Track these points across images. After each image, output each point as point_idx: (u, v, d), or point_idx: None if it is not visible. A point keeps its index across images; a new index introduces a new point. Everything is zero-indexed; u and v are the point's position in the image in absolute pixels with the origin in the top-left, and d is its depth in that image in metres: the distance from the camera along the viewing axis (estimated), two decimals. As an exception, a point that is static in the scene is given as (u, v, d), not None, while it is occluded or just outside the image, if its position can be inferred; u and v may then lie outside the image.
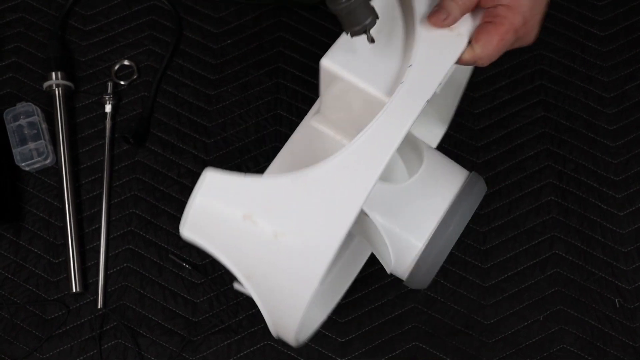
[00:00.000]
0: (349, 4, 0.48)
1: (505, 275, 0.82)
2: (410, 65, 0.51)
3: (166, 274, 0.82)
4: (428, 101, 0.51)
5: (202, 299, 0.82)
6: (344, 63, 0.52)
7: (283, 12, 0.93)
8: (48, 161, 0.86)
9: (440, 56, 0.53)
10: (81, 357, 0.80)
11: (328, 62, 0.52)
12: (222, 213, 0.49)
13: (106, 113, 0.88)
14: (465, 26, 0.55)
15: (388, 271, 0.62)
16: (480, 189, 0.61)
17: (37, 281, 0.82)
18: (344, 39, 0.53)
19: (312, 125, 0.62)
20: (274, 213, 0.48)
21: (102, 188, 0.85)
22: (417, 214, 0.59)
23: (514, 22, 0.55)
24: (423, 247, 0.58)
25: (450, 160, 0.66)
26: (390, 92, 0.51)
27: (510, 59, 0.90)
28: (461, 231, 0.59)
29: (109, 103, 0.88)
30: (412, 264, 0.59)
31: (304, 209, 0.48)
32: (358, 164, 0.49)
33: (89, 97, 0.89)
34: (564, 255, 0.82)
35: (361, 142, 0.49)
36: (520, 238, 0.83)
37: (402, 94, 0.50)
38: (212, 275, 0.82)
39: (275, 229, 0.48)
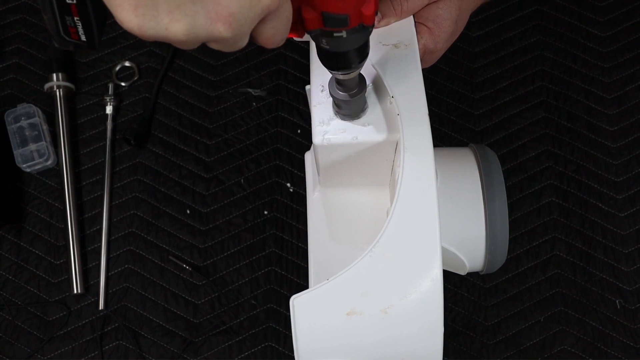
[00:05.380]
0: (361, 94, 0.50)
1: (506, 277, 0.82)
2: (393, 97, 0.51)
3: (167, 275, 0.83)
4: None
5: (203, 301, 0.82)
6: (334, 132, 0.52)
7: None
8: (49, 162, 0.86)
9: (408, 71, 0.53)
10: (83, 359, 0.80)
11: (322, 140, 0.52)
12: (327, 326, 0.50)
13: (107, 114, 0.88)
14: (406, 35, 0.56)
15: (463, 273, 0.63)
16: (492, 155, 0.63)
17: (38, 282, 0.82)
18: (318, 114, 0.53)
19: (324, 197, 0.62)
20: (370, 295, 0.49)
21: (103, 189, 0.85)
22: (461, 209, 0.60)
23: (427, 44, 0.58)
24: (487, 232, 0.59)
25: (447, 148, 0.66)
26: (391, 129, 0.52)
27: (511, 60, 0.90)
28: (506, 197, 0.60)
29: (110, 104, 0.88)
30: (486, 253, 0.60)
31: (394, 274, 0.49)
32: (417, 204, 0.49)
33: (90, 99, 0.89)
34: (564, 256, 0.82)
35: (404, 186, 0.49)
36: (521, 239, 0.83)
37: (407, 121, 0.51)
38: (214, 276, 0.82)
39: (379, 307, 0.49)
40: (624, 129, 0.87)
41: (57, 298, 0.82)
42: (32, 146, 0.85)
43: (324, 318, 0.49)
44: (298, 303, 0.49)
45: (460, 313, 0.81)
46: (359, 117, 0.52)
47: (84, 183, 0.86)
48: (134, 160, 0.87)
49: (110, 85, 0.89)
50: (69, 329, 0.81)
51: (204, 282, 0.82)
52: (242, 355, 0.80)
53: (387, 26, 0.55)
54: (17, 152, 0.84)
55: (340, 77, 0.47)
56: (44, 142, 0.85)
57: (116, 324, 0.81)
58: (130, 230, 0.84)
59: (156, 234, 0.84)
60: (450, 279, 0.81)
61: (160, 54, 0.91)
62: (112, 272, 0.83)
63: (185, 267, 0.82)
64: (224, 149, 0.87)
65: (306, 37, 0.45)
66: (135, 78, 0.90)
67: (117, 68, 0.90)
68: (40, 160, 0.84)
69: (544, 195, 0.84)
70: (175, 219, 0.84)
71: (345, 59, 0.45)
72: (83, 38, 0.40)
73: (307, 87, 0.56)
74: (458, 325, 0.80)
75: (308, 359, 0.51)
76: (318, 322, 0.50)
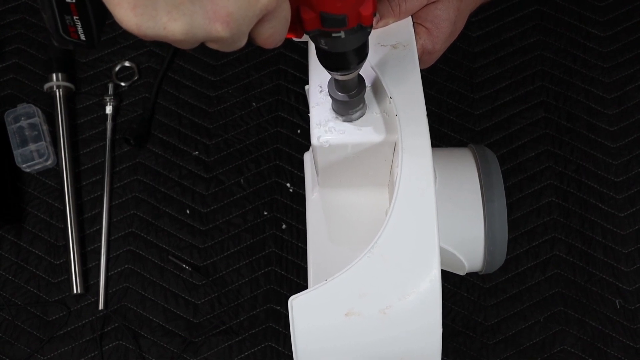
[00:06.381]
0: (360, 95, 0.50)
1: (506, 277, 0.82)
2: (391, 98, 0.51)
3: (167, 275, 0.83)
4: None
5: (203, 300, 0.82)
6: (333, 133, 0.52)
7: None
8: (49, 162, 0.86)
9: (406, 72, 0.53)
10: (82, 359, 0.80)
11: (320, 141, 0.52)
12: (325, 326, 0.50)
13: (107, 114, 0.88)
14: (404, 35, 0.56)
15: (463, 274, 0.63)
16: (491, 155, 0.63)
17: (38, 282, 0.82)
18: (317, 115, 0.53)
19: (323, 198, 0.62)
20: (369, 295, 0.49)
21: (103, 189, 0.85)
22: (460, 210, 0.60)
23: (425, 45, 0.57)
24: (485, 233, 0.60)
25: (446, 148, 0.66)
26: (390, 129, 0.52)
27: (511, 60, 0.90)
28: (505, 198, 0.60)
29: (110, 104, 0.88)
30: (485, 253, 0.60)
31: (392, 275, 0.49)
32: (415, 205, 0.49)
33: (90, 99, 0.89)
34: (564, 256, 0.82)
35: (402, 186, 0.50)
36: (521, 239, 0.83)
37: (405, 122, 0.51)
38: (213, 276, 0.82)
39: (378, 308, 0.49)
40: (624, 129, 0.87)
41: (57, 298, 0.82)
42: (32, 146, 0.85)
43: (323, 319, 0.49)
44: (296, 304, 0.49)
45: (460, 313, 0.81)
46: (357, 118, 0.52)
47: (84, 183, 0.86)
48: (134, 160, 0.87)
49: (110, 85, 0.89)
50: (69, 329, 0.81)
51: (204, 282, 0.82)
52: (242, 355, 0.80)
53: (386, 27, 0.55)
54: (17, 152, 0.84)
55: (339, 78, 0.47)
56: (43, 142, 0.85)
57: (116, 324, 0.81)
58: (130, 230, 0.84)
59: (156, 234, 0.84)
60: (450, 279, 0.81)
61: (160, 54, 0.91)
62: (112, 272, 0.83)
63: (185, 267, 0.82)
64: (224, 149, 0.87)
65: (305, 38, 0.45)
66: (135, 78, 0.90)
67: (117, 68, 0.90)
68: (40, 160, 0.84)
69: (544, 195, 0.84)
70: (175, 219, 0.84)
71: (344, 59, 0.45)
72: (82, 37, 0.40)
73: (307, 87, 0.56)
74: (458, 325, 0.80)
75: (307, 359, 0.51)
76: (316, 323, 0.50)
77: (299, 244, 0.83)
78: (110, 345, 0.81)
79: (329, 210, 0.60)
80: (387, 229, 0.49)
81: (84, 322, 0.81)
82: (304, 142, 0.87)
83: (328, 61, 0.45)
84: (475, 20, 0.91)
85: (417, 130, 0.50)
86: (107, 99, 0.88)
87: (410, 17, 0.56)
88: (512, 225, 0.83)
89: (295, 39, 0.45)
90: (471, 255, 0.60)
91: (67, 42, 0.40)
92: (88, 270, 0.83)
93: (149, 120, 0.88)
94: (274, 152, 0.87)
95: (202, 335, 0.80)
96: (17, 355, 0.80)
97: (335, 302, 0.49)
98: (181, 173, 0.86)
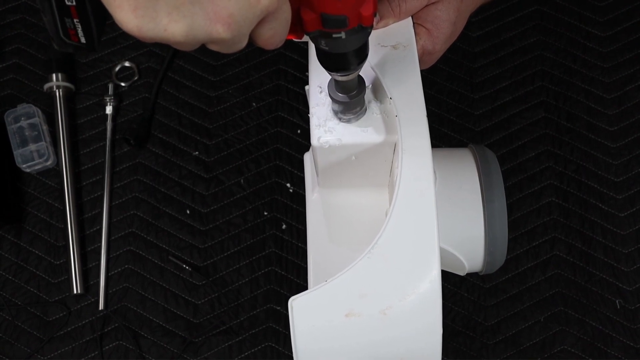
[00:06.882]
0: (360, 96, 0.50)
1: (506, 277, 0.82)
2: (391, 98, 0.51)
3: (167, 275, 0.83)
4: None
5: (203, 301, 0.82)
6: (333, 134, 0.52)
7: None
8: (49, 163, 0.86)
9: (406, 72, 0.53)
10: (83, 359, 0.80)
11: (320, 141, 0.52)
12: (325, 327, 0.50)
13: (107, 114, 0.88)
14: (404, 36, 0.56)
15: (463, 274, 0.63)
16: (491, 155, 0.63)
17: (38, 283, 0.82)
18: (317, 116, 0.53)
19: (323, 199, 0.61)
20: (369, 296, 0.49)
21: (103, 189, 0.85)
22: (460, 210, 0.60)
23: (425, 45, 0.57)
24: (485, 233, 0.60)
25: (446, 149, 0.66)
26: (390, 130, 0.52)
27: (511, 60, 0.90)
28: (505, 198, 0.60)
29: (110, 104, 0.88)
30: (485, 253, 0.60)
31: (392, 275, 0.49)
32: (415, 205, 0.49)
33: (90, 99, 0.89)
34: (564, 256, 0.82)
35: (402, 187, 0.50)
36: (521, 239, 0.83)
37: (405, 123, 0.51)
38: (214, 276, 0.82)
39: (378, 309, 0.49)
40: (624, 129, 0.87)
41: (57, 298, 0.82)
42: (32, 146, 0.85)
43: (323, 319, 0.49)
44: (296, 304, 0.49)
45: (460, 313, 0.81)
46: (357, 119, 0.52)
47: (84, 183, 0.86)
48: (134, 160, 0.87)
49: (110, 86, 0.89)
50: (69, 329, 0.81)
51: (204, 282, 0.82)
52: (242, 355, 0.80)
53: (386, 27, 0.55)
54: (17, 152, 0.84)
55: (339, 78, 0.47)
56: (43, 142, 0.85)
57: (116, 324, 0.81)
58: (130, 230, 0.84)
59: (156, 234, 0.84)
60: (450, 279, 0.81)
61: (160, 54, 0.91)
62: (112, 272, 0.83)
63: (185, 267, 0.82)
64: (224, 149, 0.87)
65: (305, 38, 0.45)
66: (135, 78, 0.90)
67: (117, 68, 0.90)
68: (40, 160, 0.84)
69: (544, 195, 0.84)
70: (175, 219, 0.84)
71: (345, 60, 0.45)
72: (83, 40, 0.40)
73: (307, 87, 0.56)
74: (458, 325, 0.80)
75: None
76: (316, 324, 0.50)
77: (299, 244, 0.83)
78: (110, 345, 0.81)
79: (329, 211, 0.60)
80: (387, 230, 0.49)
81: (84, 322, 0.81)
82: (304, 142, 0.87)
83: (328, 62, 0.45)
84: (475, 20, 0.91)
85: (417, 130, 0.50)
86: (107, 99, 0.88)
87: (410, 18, 0.56)
88: (512, 225, 0.83)
89: (295, 40, 0.45)
90: (471, 255, 0.60)
91: (68, 45, 0.40)
92: (88, 270, 0.83)
93: (149, 120, 0.88)
94: (274, 152, 0.87)
95: (202, 336, 0.80)
96: (17, 355, 0.80)
97: (336, 302, 0.49)
98: (181, 173, 0.86)
